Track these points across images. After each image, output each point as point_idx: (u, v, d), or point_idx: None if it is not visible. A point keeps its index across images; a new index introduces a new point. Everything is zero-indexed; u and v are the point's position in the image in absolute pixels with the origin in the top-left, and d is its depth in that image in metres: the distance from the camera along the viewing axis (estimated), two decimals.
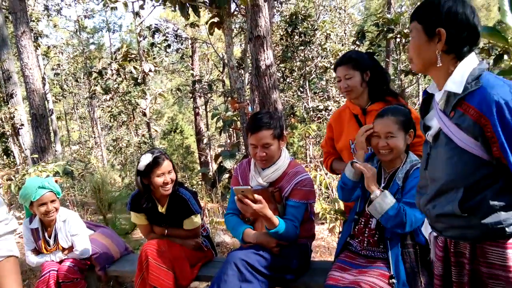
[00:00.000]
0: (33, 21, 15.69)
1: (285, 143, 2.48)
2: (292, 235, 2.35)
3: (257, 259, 2.28)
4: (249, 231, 2.45)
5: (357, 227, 2.27)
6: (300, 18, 11.09)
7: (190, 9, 4.83)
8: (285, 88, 13.04)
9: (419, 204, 1.65)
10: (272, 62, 6.22)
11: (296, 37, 11.38)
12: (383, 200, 2.01)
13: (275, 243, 2.35)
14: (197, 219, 2.81)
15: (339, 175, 2.64)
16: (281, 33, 12.06)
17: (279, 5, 12.71)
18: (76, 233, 2.99)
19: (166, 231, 2.85)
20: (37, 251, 3.06)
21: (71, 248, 3.00)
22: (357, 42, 10.63)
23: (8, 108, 9.84)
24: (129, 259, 3.22)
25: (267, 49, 6.09)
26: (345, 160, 2.70)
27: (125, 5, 5.77)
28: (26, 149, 9.83)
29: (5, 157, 11.32)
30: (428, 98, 1.64)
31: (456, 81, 1.43)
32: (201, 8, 5.35)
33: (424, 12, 1.47)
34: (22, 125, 9.94)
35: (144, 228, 2.96)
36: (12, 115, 9.80)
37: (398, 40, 9.03)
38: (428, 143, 1.59)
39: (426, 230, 1.77)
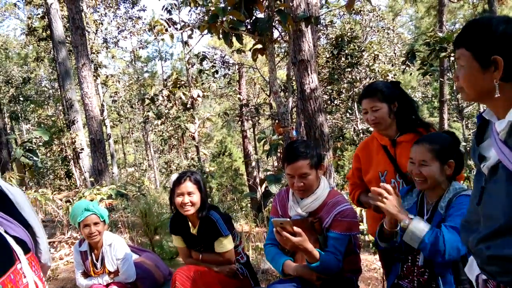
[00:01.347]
0: (93, 53, 16.77)
1: (323, 172, 2.39)
2: (335, 269, 2.22)
3: None
4: (289, 263, 2.35)
5: (405, 266, 2.11)
6: (346, 40, 10.99)
7: (233, 37, 4.92)
8: (333, 110, 12.90)
9: (467, 241, 1.46)
10: (317, 85, 6.16)
11: (343, 59, 11.28)
12: (416, 227, 1.84)
13: (316, 276, 2.24)
14: (226, 241, 2.75)
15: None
16: (327, 56, 11.99)
17: (324, 29, 12.71)
18: (121, 258, 3.04)
19: (200, 256, 2.84)
20: (86, 274, 3.14)
21: (117, 272, 3.06)
22: (408, 62, 10.34)
23: (70, 133, 10.45)
24: None
25: (311, 73, 6.03)
26: None
27: (171, 36, 5.97)
28: (85, 172, 10.35)
29: (67, 179, 11.98)
30: (483, 124, 1.44)
31: None
32: (245, 35, 5.43)
33: (473, 37, 1.28)
34: (82, 149, 10.50)
35: (182, 251, 2.98)
36: (73, 140, 10.39)
37: (452, 59, 8.67)
38: (483, 176, 1.39)
39: (471, 271, 1.56)
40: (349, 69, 11.37)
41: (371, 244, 4.97)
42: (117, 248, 3.04)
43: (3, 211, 1.40)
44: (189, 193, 2.68)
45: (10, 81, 21.33)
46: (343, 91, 12.34)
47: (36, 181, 11.71)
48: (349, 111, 12.27)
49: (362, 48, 11.35)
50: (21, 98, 20.87)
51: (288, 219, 2.16)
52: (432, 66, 9.14)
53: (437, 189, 2.03)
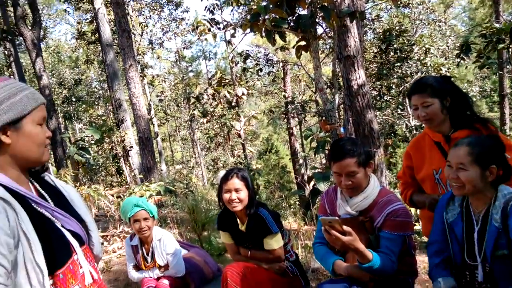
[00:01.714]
0: (140, 54, 17.36)
1: (372, 169, 2.34)
2: (389, 270, 2.14)
3: None
4: (340, 263, 2.30)
5: (463, 281, 1.97)
6: (394, 34, 10.71)
7: (276, 35, 4.92)
8: (383, 106, 12.60)
9: None
10: (364, 81, 6.06)
11: (392, 53, 11.00)
12: None
13: (369, 277, 2.18)
14: (275, 239, 2.75)
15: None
16: (375, 51, 11.74)
17: (371, 23, 12.43)
18: (171, 252, 3.14)
19: (249, 253, 2.86)
20: (137, 267, 3.28)
21: (167, 266, 3.17)
22: (462, 55, 9.89)
23: (120, 132, 10.88)
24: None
25: (358, 69, 5.95)
26: (427, 191, 2.46)
27: (214, 36, 6.07)
28: (135, 169, 10.73)
29: (118, 175, 12.52)
30: None
31: None
32: (288, 33, 5.42)
33: None
34: (131, 147, 10.89)
35: (230, 247, 3.01)
36: (123, 139, 10.80)
37: (511, 50, 8.22)
38: None
39: None
40: (398, 64, 11.06)
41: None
42: (166, 243, 3.15)
43: (59, 207, 1.51)
44: (236, 190, 2.72)
45: (62, 83, 22.53)
46: (393, 87, 12.01)
47: (89, 177, 12.28)
48: (400, 106, 11.93)
49: (412, 42, 11.00)
50: (73, 99, 22.00)
51: (337, 218, 2.10)
52: (489, 58, 8.71)
53: (481, 196, 1.89)
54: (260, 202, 2.89)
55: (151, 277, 3.18)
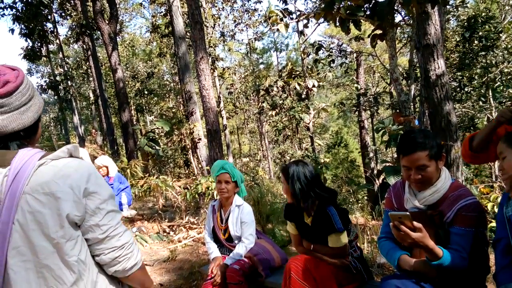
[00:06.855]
0: (211, 47, 17.87)
1: (444, 162, 2.27)
2: (459, 268, 2.09)
3: None
4: (406, 258, 2.28)
5: None
6: (480, 21, 10.06)
7: (351, 23, 4.86)
8: (463, 98, 11.95)
9: None
10: (443, 71, 5.82)
11: (476, 42, 10.35)
12: None
13: (436, 274, 2.14)
14: (341, 237, 2.78)
15: None
16: (457, 39, 11.13)
17: (455, 10, 11.78)
18: (246, 221, 3.39)
19: (312, 246, 2.92)
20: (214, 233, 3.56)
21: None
22: None
23: (189, 124, 11.33)
24: None
25: (437, 58, 5.73)
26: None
27: (286, 26, 6.11)
28: (202, 161, 11.14)
29: (186, 167, 13.06)
30: None
31: None
32: (363, 21, 5.33)
33: None
34: (200, 139, 11.29)
35: (294, 238, 3.11)
36: (191, 131, 11.24)
37: None
38: None
39: None
40: (483, 53, 10.39)
41: None
42: (244, 212, 3.40)
43: None
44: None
45: (136, 76, 23.83)
46: (476, 77, 11.32)
47: (158, 168, 12.94)
48: (482, 98, 11.20)
49: (500, 29, 10.26)
50: (146, 92, 23.20)
51: (408, 213, 2.07)
52: None
53: None
54: (330, 199, 2.87)
55: (224, 255, 3.44)
